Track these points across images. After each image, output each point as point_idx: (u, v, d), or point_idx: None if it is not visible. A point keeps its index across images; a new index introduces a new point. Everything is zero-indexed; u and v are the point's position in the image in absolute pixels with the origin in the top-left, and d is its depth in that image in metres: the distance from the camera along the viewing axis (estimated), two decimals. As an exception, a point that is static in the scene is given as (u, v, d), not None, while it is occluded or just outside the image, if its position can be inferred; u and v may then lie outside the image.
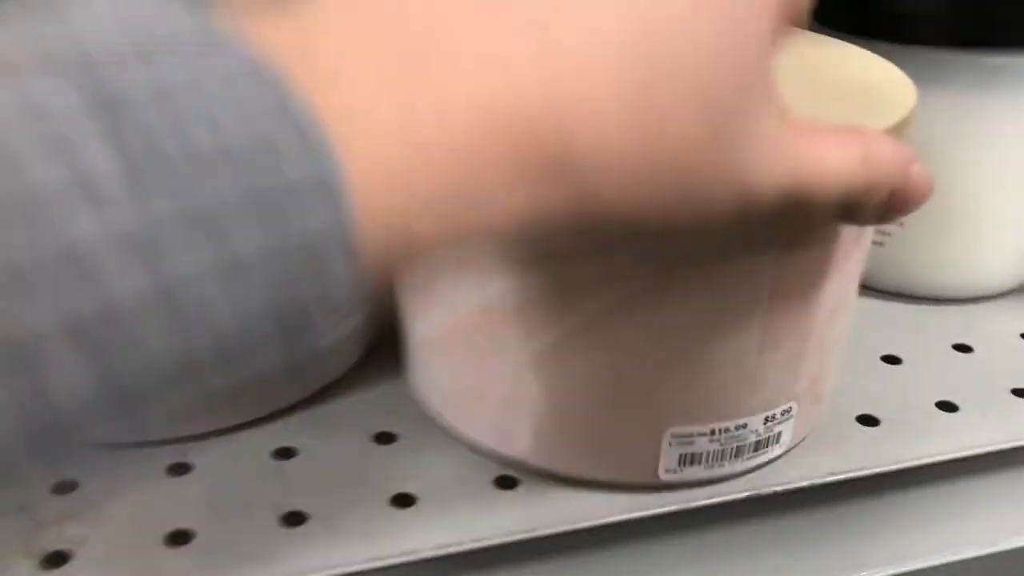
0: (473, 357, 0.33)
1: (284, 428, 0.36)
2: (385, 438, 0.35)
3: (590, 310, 0.29)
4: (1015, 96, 0.40)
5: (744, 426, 0.31)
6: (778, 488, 0.33)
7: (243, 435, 0.35)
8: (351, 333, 0.18)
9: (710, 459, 0.32)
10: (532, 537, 0.31)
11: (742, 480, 0.33)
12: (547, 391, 0.31)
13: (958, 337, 0.42)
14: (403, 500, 0.32)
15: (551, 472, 0.33)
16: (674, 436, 0.31)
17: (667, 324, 0.29)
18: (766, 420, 0.32)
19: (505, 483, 0.33)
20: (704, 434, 0.31)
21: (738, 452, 0.32)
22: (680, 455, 0.31)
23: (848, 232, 0.29)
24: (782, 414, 0.32)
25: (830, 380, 0.35)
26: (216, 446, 0.35)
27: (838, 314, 0.32)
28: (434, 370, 0.35)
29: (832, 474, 0.34)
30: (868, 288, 0.45)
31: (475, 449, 0.34)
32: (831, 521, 0.34)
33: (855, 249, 0.31)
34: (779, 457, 0.34)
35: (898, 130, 0.29)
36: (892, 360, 0.40)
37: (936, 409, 0.37)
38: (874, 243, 0.43)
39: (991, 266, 0.44)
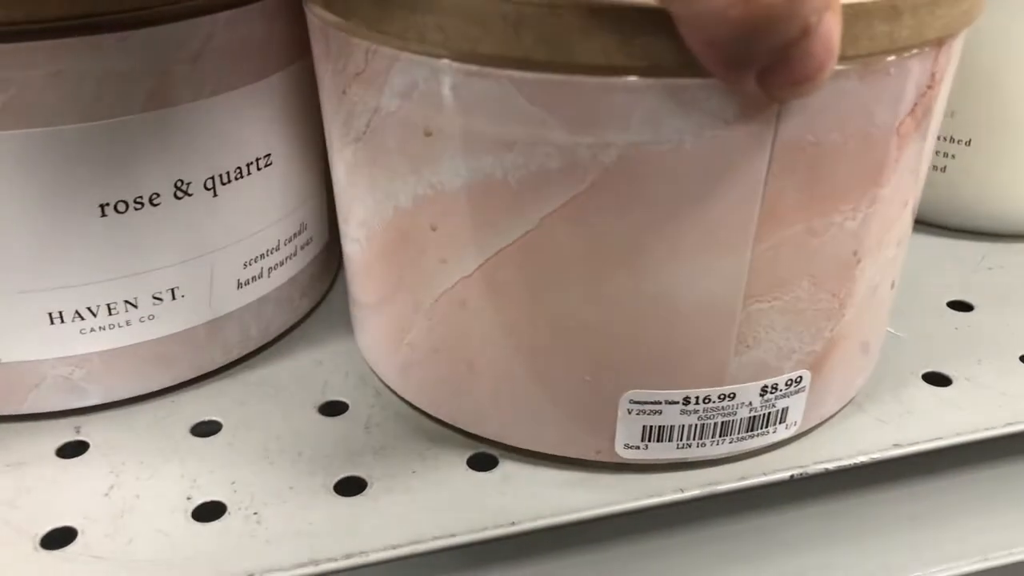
0: (391, 289, 0.26)
1: (205, 398, 0.29)
2: (332, 408, 0.28)
3: (520, 224, 0.22)
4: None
5: (731, 396, 0.24)
6: (794, 472, 0.26)
7: (152, 406, 0.28)
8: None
9: (685, 435, 0.25)
10: (503, 535, 0.24)
11: (736, 465, 0.26)
12: (464, 337, 0.24)
13: (1039, 278, 0.34)
14: (351, 485, 0.26)
15: (502, 444, 0.26)
16: (634, 402, 0.24)
17: (613, 243, 0.22)
18: (764, 391, 0.24)
19: (479, 463, 0.26)
20: (675, 402, 0.24)
21: (725, 430, 0.25)
22: (644, 427, 0.24)
23: (881, 108, 0.21)
24: (788, 384, 0.25)
25: (878, 330, 0.27)
26: (117, 419, 0.28)
27: (880, 246, 0.24)
28: (365, 320, 0.28)
29: (897, 445, 0.26)
30: (928, 224, 0.37)
31: (433, 419, 0.27)
32: (885, 505, 0.27)
33: (897, 143, 0.22)
34: (791, 440, 0.26)
35: None
36: (963, 306, 0.33)
37: (1020, 363, 0.30)
38: (933, 167, 0.36)
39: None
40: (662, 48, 0.19)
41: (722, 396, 0.24)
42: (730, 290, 0.22)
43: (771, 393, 0.25)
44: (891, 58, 0.21)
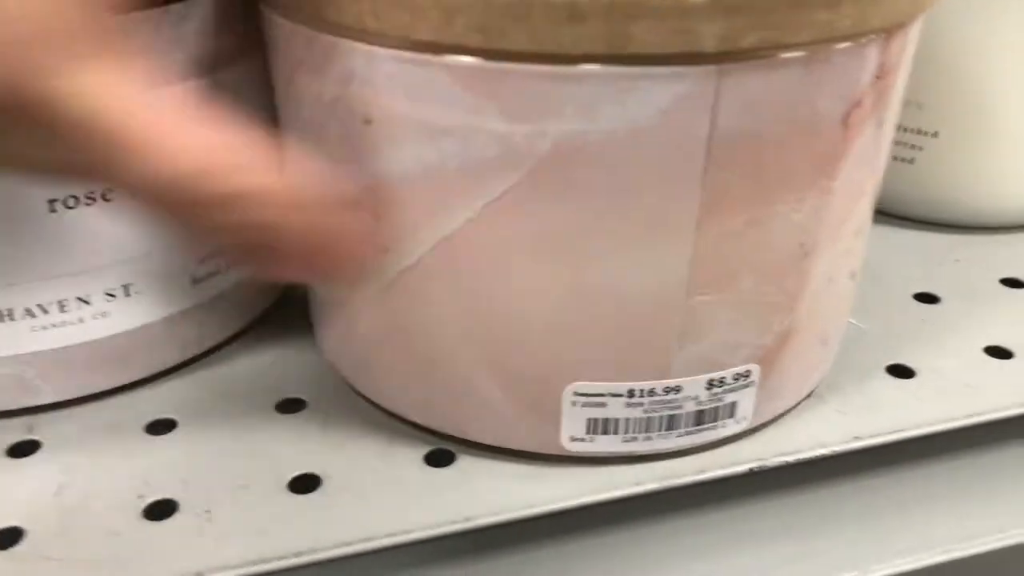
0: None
1: (161, 396, 0.29)
2: (290, 406, 0.28)
3: (460, 213, 0.22)
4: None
5: (677, 389, 0.24)
6: (741, 468, 0.25)
7: (106, 404, 0.28)
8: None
9: (631, 428, 0.24)
10: (458, 531, 0.24)
11: (690, 459, 0.25)
12: (412, 328, 0.24)
13: (1006, 270, 0.34)
14: (306, 483, 0.25)
15: (459, 439, 0.26)
16: (578, 394, 0.24)
17: (552, 233, 0.21)
18: (710, 384, 0.24)
19: (437, 459, 0.26)
20: (619, 395, 0.24)
21: (672, 423, 0.25)
22: (589, 420, 0.24)
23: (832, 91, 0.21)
24: (735, 379, 0.24)
25: (837, 322, 0.27)
26: (71, 418, 0.28)
27: (832, 238, 0.24)
28: (321, 313, 0.28)
29: (858, 438, 0.26)
30: (894, 216, 0.37)
31: (390, 414, 0.27)
32: (843, 499, 0.27)
33: (845, 134, 0.22)
34: (748, 433, 0.26)
35: None
36: (928, 298, 0.33)
37: (985, 355, 0.30)
38: (900, 159, 0.36)
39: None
40: (596, 36, 0.19)
41: (667, 389, 0.24)
42: (672, 282, 0.22)
43: (718, 387, 0.24)
44: (835, 47, 0.20)
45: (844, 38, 0.20)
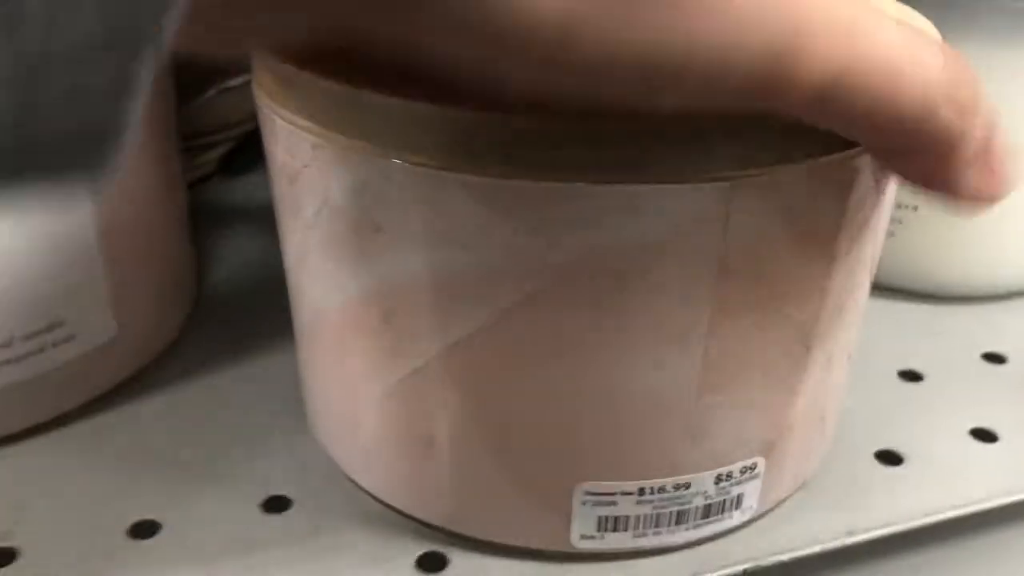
0: (340, 375, 0.25)
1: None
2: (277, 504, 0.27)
3: (472, 320, 0.21)
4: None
5: (686, 486, 0.24)
6: (746, 566, 0.25)
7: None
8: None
9: (640, 525, 0.24)
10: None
11: (690, 554, 0.25)
12: (417, 427, 0.24)
13: (988, 343, 0.35)
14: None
15: (455, 534, 0.26)
16: (589, 493, 0.23)
17: (566, 340, 0.21)
18: (718, 479, 0.24)
19: (429, 563, 0.25)
20: (630, 493, 0.24)
21: (680, 518, 0.24)
22: (599, 518, 0.24)
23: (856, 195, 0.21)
24: (742, 472, 0.24)
25: (834, 406, 0.27)
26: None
27: (831, 332, 0.24)
28: (317, 405, 0.27)
29: (851, 533, 0.26)
30: (876, 286, 0.37)
31: (386, 505, 0.26)
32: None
33: (849, 238, 0.22)
34: (747, 524, 0.26)
35: None
36: (912, 376, 0.33)
37: (971, 439, 0.30)
38: (883, 232, 0.36)
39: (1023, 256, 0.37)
40: (612, 155, 0.19)
41: (676, 486, 0.24)
42: (683, 385, 0.22)
43: (726, 481, 0.24)
44: (845, 158, 0.20)
45: (854, 148, 0.20)
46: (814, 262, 0.22)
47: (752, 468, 0.24)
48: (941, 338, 0.35)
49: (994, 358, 0.34)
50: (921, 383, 0.33)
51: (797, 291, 0.22)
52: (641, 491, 0.24)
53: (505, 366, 0.22)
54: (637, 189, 0.19)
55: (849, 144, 0.20)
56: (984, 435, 0.30)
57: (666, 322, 0.21)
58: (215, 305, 0.36)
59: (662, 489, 0.24)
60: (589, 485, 0.23)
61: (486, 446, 0.23)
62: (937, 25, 0.32)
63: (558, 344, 0.21)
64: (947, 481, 0.28)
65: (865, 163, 0.21)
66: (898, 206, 0.36)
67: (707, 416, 0.23)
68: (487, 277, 0.21)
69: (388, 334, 0.23)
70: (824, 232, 0.21)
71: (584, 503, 0.24)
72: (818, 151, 0.20)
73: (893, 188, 0.24)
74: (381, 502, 0.26)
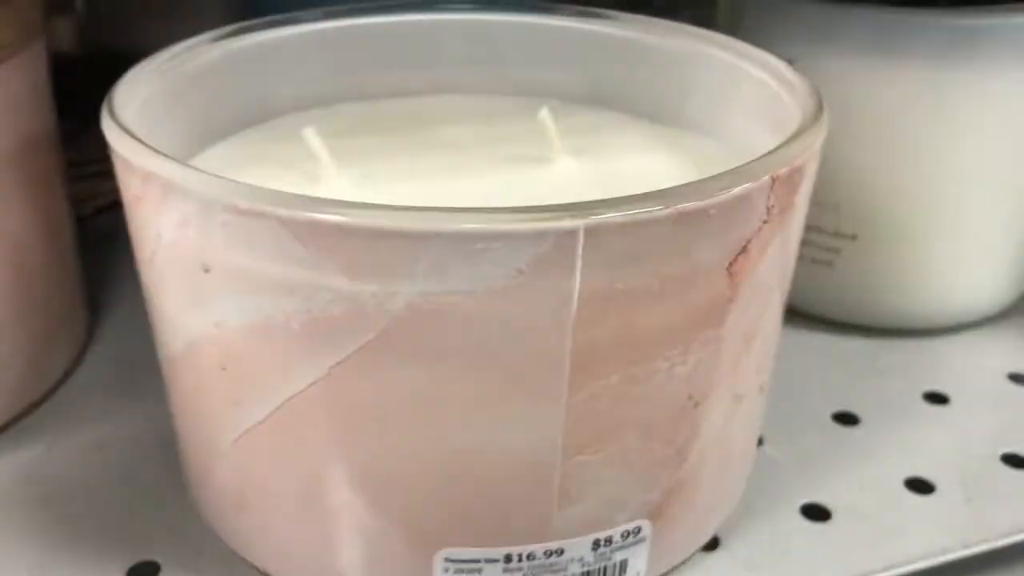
0: (192, 426, 0.23)
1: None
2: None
3: (307, 372, 0.19)
4: (996, 67, 0.30)
5: (559, 552, 0.21)
6: None
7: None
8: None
9: None
10: None
11: None
12: (264, 485, 0.22)
13: (929, 383, 0.32)
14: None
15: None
16: (450, 560, 0.21)
17: (410, 394, 0.19)
18: (596, 544, 0.22)
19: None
20: (495, 560, 0.21)
21: None
22: None
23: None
24: (624, 536, 0.22)
25: (740, 453, 0.25)
26: None
27: (726, 384, 0.21)
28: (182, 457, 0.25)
29: (764, 601, 0.24)
30: (811, 318, 0.35)
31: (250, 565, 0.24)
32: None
33: (729, 282, 0.20)
34: None
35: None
36: (848, 419, 0.31)
37: (906, 490, 0.28)
38: (818, 262, 0.34)
39: (969, 288, 0.35)
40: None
41: (548, 552, 0.21)
42: (546, 444, 0.20)
43: (605, 546, 0.22)
44: (713, 200, 0.18)
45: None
46: (689, 310, 0.19)
47: (636, 532, 0.22)
48: (880, 376, 0.33)
49: (936, 398, 0.32)
50: (856, 427, 0.30)
51: (671, 342, 0.19)
52: (508, 558, 0.21)
53: (348, 423, 0.19)
54: (471, 231, 0.17)
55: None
56: (921, 486, 0.28)
57: (518, 377, 0.19)
58: (111, 342, 0.33)
59: (532, 556, 0.21)
60: (450, 551, 0.21)
61: (338, 509, 0.21)
62: (878, 44, 0.30)
63: (401, 401, 0.19)
64: (878, 538, 0.26)
65: (742, 203, 0.19)
66: (835, 235, 0.34)
67: (577, 476, 0.20)
68: (320, 325, 0.18)
69: (227, 385, 0.20)
70: (700, 276, 0.19)
71: (446, 570, 0.21)
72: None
73: (800, 216, 0.21)
74: (252, 565, 0.24)
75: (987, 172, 0.32)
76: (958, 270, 0.34)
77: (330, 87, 0.29)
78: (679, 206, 0.17)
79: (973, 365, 0.33)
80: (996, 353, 0.34)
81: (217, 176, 0.18)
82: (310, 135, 0.24)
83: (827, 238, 0.34)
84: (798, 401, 0.31)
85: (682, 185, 0.18)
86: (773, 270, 0.21)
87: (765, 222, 0.19)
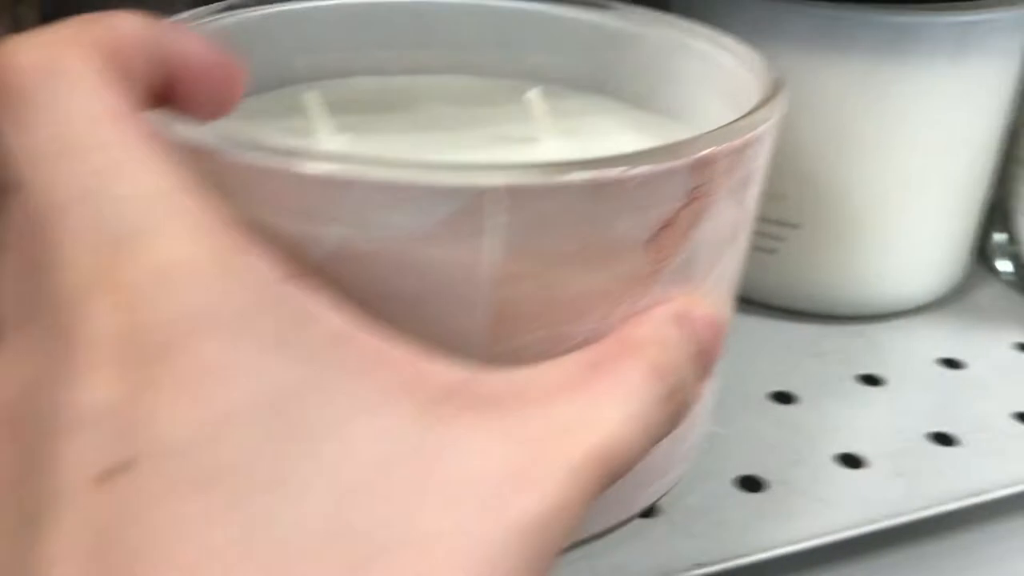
0: None
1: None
2: None
3: None
4: (930, 62, 0.32)
5: None
6: None
7: None
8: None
9: None
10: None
11: None
12: None
13: (864, 366, 0.34)
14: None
15: None
16: None
17: None
18: None
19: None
20: None
21: None
22: None
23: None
24: None
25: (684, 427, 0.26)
26: None
27: None
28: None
29: (699, 565, 0.25)
30: (754, 303, 0.36)
31: None
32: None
33: (652, 257, 0.20)
34: (574, 547, 0.24)
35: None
36: (785, 398, 0.32)
37: (836, 465, 0.29)
38: (762, 250, 0.35)
39: (904, 276, 0.36)
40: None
41: None
42: None
43: None
44: (627, 174, 0.19)
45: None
46: (610, 280, 0.20)
47: None
48: (818, 359, 0.34)
49: (870, 380, 0.33)
50: (793, 405, 0.31)
51: (593, 307, 0.20)
52: None
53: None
54: (396, 179, 0.18)
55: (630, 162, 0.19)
56: (853, 461, 0.29)
57: (439, 327, 0.19)
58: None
59: None
60: None
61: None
62: (819, 41, 0.32)
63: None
64: (810, 509, 0.27)
65: (661, 181, 0.19)
66: (779, 223, 0.35)
67: None
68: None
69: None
70: (621, 248, 0.20)
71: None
72: (598, 165, 0.18)
73: (727, 204, 0.22)
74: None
75: (921, 164, 0.33)
76: (895, 260, 0.35)
77: (343, 63, 0.29)
78: (596, 173, 0.18)
79: (906, 350, 0.35)
80: (928, 339, 0.35)
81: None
82: (309, 99, 0.25)
83: (772, 227, 0.35)
84: (739, 381, 0.32)
85: (604, 157, 0.18)
86: (702, 252, 0.22)
87: (693, 199, 0.20)
